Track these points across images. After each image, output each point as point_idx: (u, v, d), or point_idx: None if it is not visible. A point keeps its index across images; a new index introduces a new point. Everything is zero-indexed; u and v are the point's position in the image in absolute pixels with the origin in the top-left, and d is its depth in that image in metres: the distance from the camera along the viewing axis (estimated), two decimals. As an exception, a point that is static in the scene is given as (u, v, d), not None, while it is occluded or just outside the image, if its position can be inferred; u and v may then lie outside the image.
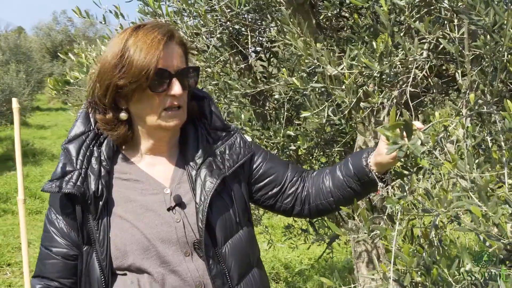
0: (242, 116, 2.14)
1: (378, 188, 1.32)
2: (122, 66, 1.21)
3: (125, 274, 1.28)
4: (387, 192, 1.32)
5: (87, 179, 1.27)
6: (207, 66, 2.23)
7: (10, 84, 14.71)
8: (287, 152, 2.29)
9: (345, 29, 2.31)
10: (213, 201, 1.30)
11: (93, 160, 1.30)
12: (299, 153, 2.52)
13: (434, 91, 1.64)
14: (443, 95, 1.93)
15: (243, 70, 2.46)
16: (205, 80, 2.44)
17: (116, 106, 1.29)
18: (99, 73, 1.27)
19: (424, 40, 1.54)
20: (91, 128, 1.33)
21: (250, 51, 2.28)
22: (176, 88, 1.24)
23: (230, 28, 2.42)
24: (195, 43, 2.32)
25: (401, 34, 1.61)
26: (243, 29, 2.40)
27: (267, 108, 2.54)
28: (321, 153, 2.62)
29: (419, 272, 1.25)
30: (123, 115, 1.29)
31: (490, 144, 1.53)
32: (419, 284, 1.27)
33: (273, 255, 4.78)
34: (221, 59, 2.49)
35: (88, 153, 1.30)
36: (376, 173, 1.32)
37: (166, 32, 1.24)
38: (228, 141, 1.40)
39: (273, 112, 2.46)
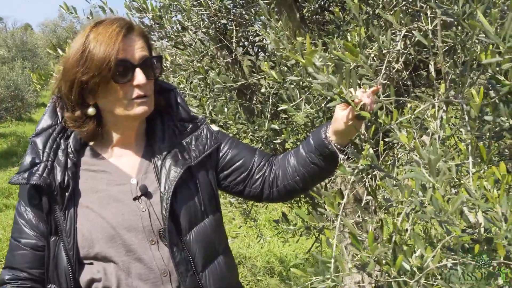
0: (225, 109, 2.16)
1: (339, 159, 1.32)
2: (84, 62, 1.24)
3: (91, 264, 1.30)
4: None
5: (53, 171, 1.30)
6: (191, 60, 2.24)
7: (16, 81, 14.81)
8: (271, 146, 2.30)
9: (331, 23, 2.32)
10: (178, 190, 1.33)
11: (60, 153, 1.33)
12: (286, 146, 2.53)
13: (409, 83, 1.65)
14: (419, 88, 1.94)
15: (230, 64, 2.48)
16: (194, 75, 2.46)
17: (83, 102, 1.31)
18: (63, 71, 1.30)
19: (398, 33, 1.55)
20: (58, 121, 1.36)
21: (234, 45, 2.28)
22: (140, 77, 1.27)
23: (218, 23, 2.44)
24: (181, 37, 2.34)
25: (377, 26, 1.62)
26: (230, 23, 2.42)
27: (254, 102, 2.55)
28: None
29: (384, 261, 1.27)
30: (91, 111, 1.32)
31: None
32: (383, 273, 1.29)
33: (268, 250, 4.81)
34: (209, 54, 2.51)
35: (54, 146, 1.33)
36: (336, 145, 1.33)
37: (124, 24, 1.27)
38: (195, 132, 1.43)
39: (259, 106, 2.48)
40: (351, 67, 1.59)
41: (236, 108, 2.47)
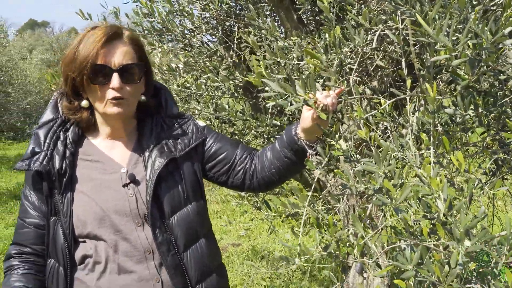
0: (227, 107, 2.29)
1: (307, 154, 1.44)
2: (73, 62, 1.42)
3: (85, 242, 1.47)
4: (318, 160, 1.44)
5: (53, 159, 1.47)
6: (195, 61, 2.39)
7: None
8: (272, 141, 2.42)
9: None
10: (163, 179, 1.49)
11: (59, 143, 1.50)
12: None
13: (385, 79, 1.74)
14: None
15: (236, 64, 2.61)
16: (202, 75, 2.61)
17: (77, 94, 1.49)
18: (61, 67, 1.49)
19: (372, 31, 1.64)
20: (59, 116, 1.54)
21: (235, 46, 2.41)
22: (115, 81, 1.41)
23: (223, 25, 2.58)
24: (188, 40, 2.49)
25: (355, 26, 1.72)
26: (234, 25, 2.55)
27: (260, 99, 2.68)
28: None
29: (347, 243, 1.38)
30: (84, 103, 1.49)
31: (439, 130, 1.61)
32: (349, 255, 1.40)
33: (292, 244, 4.92)
34: (218, 54, 2.65)
35: (54, 137, 1.50)
36: (305, 141, 1.46)
37: (109, 31, 1.43)
38: (182, 127, 1.58)
39: (264, 103, 2.60)
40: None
41: (242, 105, 2.60)
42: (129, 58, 1.45)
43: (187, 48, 2.57)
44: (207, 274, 1.54)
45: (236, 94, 2.60)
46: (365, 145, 1.89)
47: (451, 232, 1.18)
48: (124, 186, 1.48)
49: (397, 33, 1.60)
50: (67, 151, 1.49)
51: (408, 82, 1.51)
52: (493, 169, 2.05)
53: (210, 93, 2.42)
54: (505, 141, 1.51)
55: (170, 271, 1.46)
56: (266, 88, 2.51)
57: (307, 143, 1.46)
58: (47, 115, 1.54)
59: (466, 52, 1.24)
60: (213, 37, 2.63)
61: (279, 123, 2.38)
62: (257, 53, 2.63)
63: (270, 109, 2.42)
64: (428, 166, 1.15)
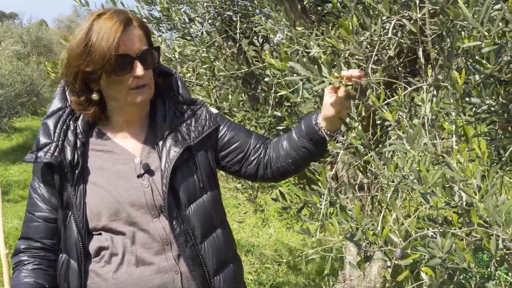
0: (230, 97, 2.26)
1: (328, 145, 1.42)
2: (87, 55, 1.33)
3: (100, 234, 1.42)
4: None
5: (64, 150, 1.40)
6: (197, 50, 2.35)
7: (31, 76, 15.07)
8: (274, 132, 2.40)
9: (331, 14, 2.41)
10: (178, 168, 1.43)
11: (69, 133, 1.43)
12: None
13: (400, 69, 1.74)
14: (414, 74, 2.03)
15: (235, 55, 2.58)
16: (200, 65, 2.57)
17: (87, 88, 1.41)
18: (67, 61, 1.38)
19: (390, 21, 1.64)
20: (67, 104, 1.47)
21: (238, 36, 2.38)
22: (139, 69, 1.35)
23: (223, 15, 2.54)
24: (188, 29, 2.45)
25: (373, 16, 1.71)
26: (235, 15, 2.52)
27: (259, 91, 2.65)
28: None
29: (372, 232, 1.37)
30: (94, 96, 1.41)
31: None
32: (372, 243, 1.39)
33: (276, 239, 4.92)
34: (216, 44, 2.62)
35: (64, 127, 1.43)
36: (326, 131, 1.42)
37: (123, 18, 1.35)
38: (195, 114, 1.52)
39: (263, 94, 2.58)
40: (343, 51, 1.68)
41: (241, 96, 2.58)
42: (144, 43, 1.39)
43: (186, 37, 2.53)
44: (224, 264, 1.51)
45: (234, 84, 2.57)
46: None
47: (483, 218, 1.18)
48: (138, 176, 1.43)
49: (411, 22, 1.60)
50: (78, 142, 1.43)
51: (429, 71, 1.50)
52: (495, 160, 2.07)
53: (211, 83, 2.38)
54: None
55: (188, 263, 1.42)
56: (266, 79, 2.50)
57: (328, 132, 1.43)
58: (55, 104, 1.47)
59: (496, 40, 1.24)
60: (212, 26, 2.59)
61: (280, 114, 2.36)
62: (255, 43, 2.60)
63: (271, 100, 2.40)
64: (465, 151, 1.14)
